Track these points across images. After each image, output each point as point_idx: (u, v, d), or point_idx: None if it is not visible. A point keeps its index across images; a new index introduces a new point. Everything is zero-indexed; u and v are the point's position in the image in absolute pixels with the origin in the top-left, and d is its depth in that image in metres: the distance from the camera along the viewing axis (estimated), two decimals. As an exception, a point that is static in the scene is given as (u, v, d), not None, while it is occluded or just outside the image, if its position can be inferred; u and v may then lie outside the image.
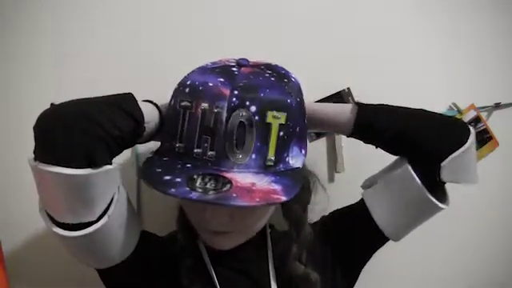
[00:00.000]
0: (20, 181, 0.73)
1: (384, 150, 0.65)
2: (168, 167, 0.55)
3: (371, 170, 0.70)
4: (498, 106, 0.89)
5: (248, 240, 0.64)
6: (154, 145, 0.63)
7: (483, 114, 0.89)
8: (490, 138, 0.89)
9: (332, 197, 0.75)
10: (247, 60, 0.62)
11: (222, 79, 0.56)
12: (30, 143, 0.51)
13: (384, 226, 0.65)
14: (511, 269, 0.93)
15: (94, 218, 0.51)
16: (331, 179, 0.87)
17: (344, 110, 0.65)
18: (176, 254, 0.66)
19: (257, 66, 0.61)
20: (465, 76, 0.89)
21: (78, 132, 0.49)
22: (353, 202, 0.70)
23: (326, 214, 0.75)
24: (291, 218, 0.68)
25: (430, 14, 0.88)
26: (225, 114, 0.54)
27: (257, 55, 0.64)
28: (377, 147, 0.66)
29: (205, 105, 0.55)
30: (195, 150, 0.55)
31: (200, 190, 0.50)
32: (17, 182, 0.79)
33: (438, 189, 0.63)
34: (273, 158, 0.56)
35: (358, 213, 0.68)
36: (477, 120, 0.88)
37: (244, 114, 0.54)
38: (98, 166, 0.50)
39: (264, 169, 0.55)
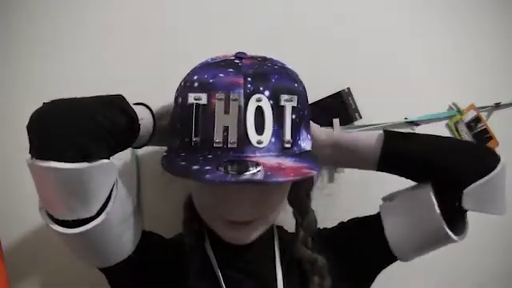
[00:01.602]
0: (19, 178, 0.73)
1: (410, 178, 0.66)
2: (191, 160, 0.54)
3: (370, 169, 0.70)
4: (498, 105, 0.89)
5: (256, 240, 0.63)
6: (156, 148, 0.63)
7: (483, 114, 0.89)
8: (490, 137, 0.88)
9: (332, 197, 0.75)
10: (245, 53, 0.62)
11: (231, 69, 0.57)
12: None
13: (393, 242, 0.65)
14: (510, 268, 0.93)
15: (92, 214, 0.51)
16: (331, 179, 0.87)
17: (371, 137, 0.66)
18: (182, 255, 0.65)
19: (255, 58, 0.62)
20: (465, 76, 0.89)
21: (73, 126, 0.49)
22: (352, 202, 0.70)
23: (335, 206, 0.75)
24: (296, 203, 0.69)
25: (429, 14, 0.88)
26: (242, 101, 0.55)
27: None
28: (406, 177, 0.66)
29: (220, 95, 0.55)
30: (216, 140, 0.55)
31: (234, 173, 0.51)
32: (16, 179, 0.79)
33: (457, 216, 0.63)
34: (290, 140, 0.57)
35: (372, 224, 0.68)
36: (477, 120, 0.88)
37: (260, 99, 0.55)
38: (92, 160, 0.50)
39: (282, 151, 0.56)
